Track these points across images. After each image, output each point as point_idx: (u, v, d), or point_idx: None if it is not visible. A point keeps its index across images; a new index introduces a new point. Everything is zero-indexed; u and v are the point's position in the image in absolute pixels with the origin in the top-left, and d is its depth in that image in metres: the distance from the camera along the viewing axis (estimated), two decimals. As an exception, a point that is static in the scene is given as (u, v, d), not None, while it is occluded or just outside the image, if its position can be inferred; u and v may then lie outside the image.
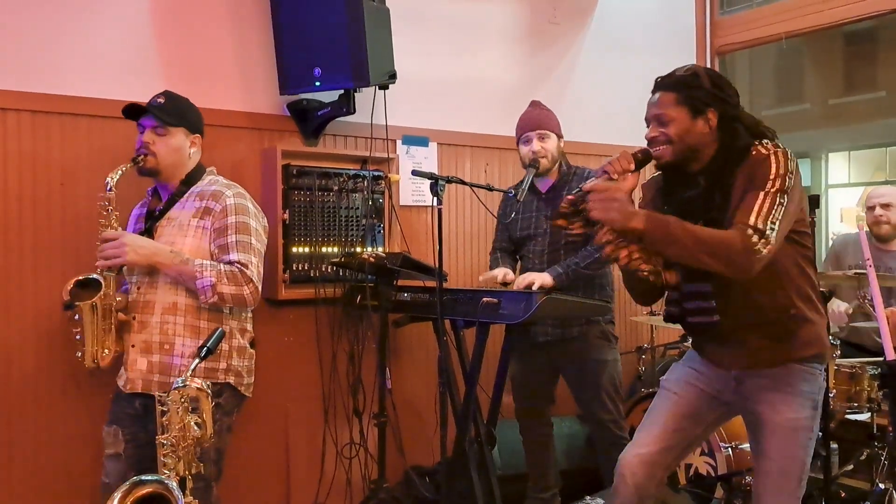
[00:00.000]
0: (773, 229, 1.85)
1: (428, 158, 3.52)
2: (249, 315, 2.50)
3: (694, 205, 2.00)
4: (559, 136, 3.01)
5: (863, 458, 3.13)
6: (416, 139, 3.50)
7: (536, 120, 3.00)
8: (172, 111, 2.38)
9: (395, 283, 3.07)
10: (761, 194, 1.88)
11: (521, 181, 2.94)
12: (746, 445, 2.99)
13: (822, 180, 13.11)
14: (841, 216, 11.15)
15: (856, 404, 3.07)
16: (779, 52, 12.18)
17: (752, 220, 1.85)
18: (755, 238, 1.83)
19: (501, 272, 2.97)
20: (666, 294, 2.12)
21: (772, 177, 1.88)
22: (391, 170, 3.31)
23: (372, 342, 3.18)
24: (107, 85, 2.75)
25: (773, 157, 1.90)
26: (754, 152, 1.94)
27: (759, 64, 12.66)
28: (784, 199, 1.88)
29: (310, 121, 3.17)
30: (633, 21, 4.23)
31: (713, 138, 2.00)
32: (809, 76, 13.32)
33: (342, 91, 3.06)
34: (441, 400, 2.69)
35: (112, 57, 2.79)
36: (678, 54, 4.32)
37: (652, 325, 3.84)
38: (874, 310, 2.91)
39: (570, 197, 1.98)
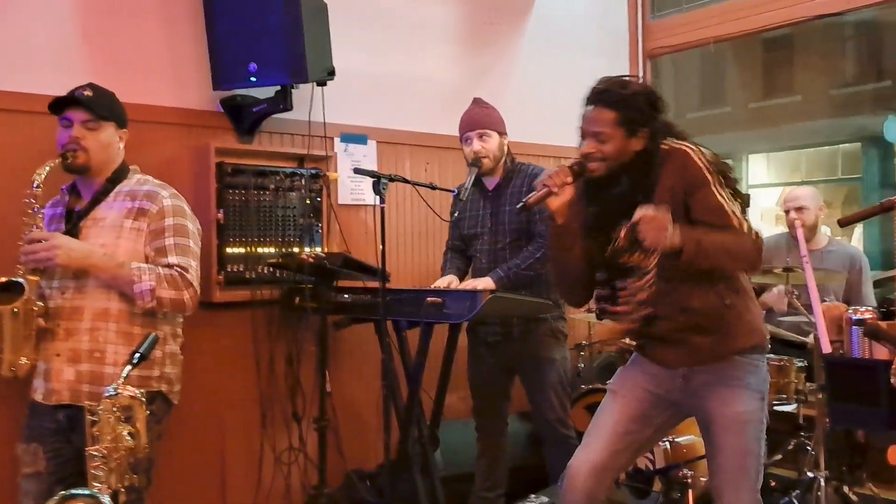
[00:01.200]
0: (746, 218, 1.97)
1: (367, 157, 3.47)
2: (180, 319, 2.40)
3: (618, 202, 2.03)
4: (501, 134, 2.99)
5: (790, 447, 3.25)
6: (355, 137, 3.44)
7: (476, 119, 2.99)
8: (103, 104, 2.25)
9: (335, 283, 3.02)
10: (714, 192, 1.94)
11: (466, 180, 2.93)
12: (683, 439, 3.06)
13: (744, 181, 13.67)
14: (761, 216, 11.64)
15: (784, 396, 3.18)
16: (703, 56, 12.60)
17: (735, 221, 1.94)
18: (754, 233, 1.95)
19: (446, 281, 2.97)
20: (596, 293, 2.14)
21: (705, 172, 1.95)
22: (329, 168, 3.25)
23: (311, 345, 3.12)
24: (26, 78, 2.59)
25: (691, 152, 1.97)
26: (666, 147, 2.00)
27: (684, 68, 13.08)
28: (725, 188, 1.96)
29: (245, 118, 3.08)
30: (568, 23, 4.26)
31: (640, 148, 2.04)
32: (731, 80, 13.86)
33: (279, 87, 2.98)
34: (384, 402, 2.66)
35: (31, 49, 2.63)
36: (612, 57, 4.40)
37: (590, 323, 3.89)
38: (803, 306, 3.04)
39: (623, 233, 1.97)
